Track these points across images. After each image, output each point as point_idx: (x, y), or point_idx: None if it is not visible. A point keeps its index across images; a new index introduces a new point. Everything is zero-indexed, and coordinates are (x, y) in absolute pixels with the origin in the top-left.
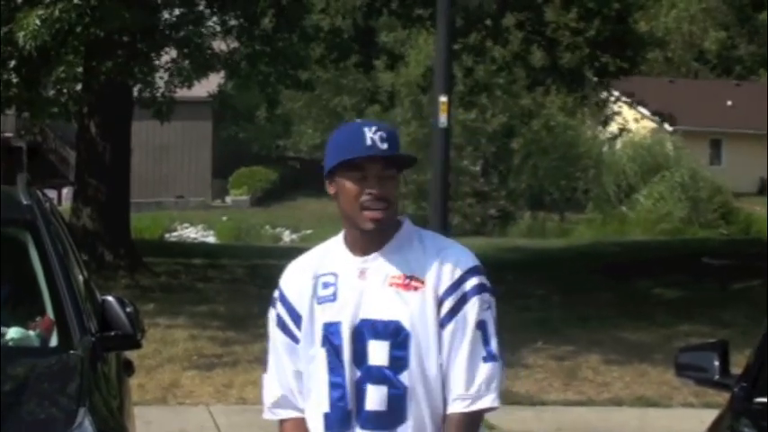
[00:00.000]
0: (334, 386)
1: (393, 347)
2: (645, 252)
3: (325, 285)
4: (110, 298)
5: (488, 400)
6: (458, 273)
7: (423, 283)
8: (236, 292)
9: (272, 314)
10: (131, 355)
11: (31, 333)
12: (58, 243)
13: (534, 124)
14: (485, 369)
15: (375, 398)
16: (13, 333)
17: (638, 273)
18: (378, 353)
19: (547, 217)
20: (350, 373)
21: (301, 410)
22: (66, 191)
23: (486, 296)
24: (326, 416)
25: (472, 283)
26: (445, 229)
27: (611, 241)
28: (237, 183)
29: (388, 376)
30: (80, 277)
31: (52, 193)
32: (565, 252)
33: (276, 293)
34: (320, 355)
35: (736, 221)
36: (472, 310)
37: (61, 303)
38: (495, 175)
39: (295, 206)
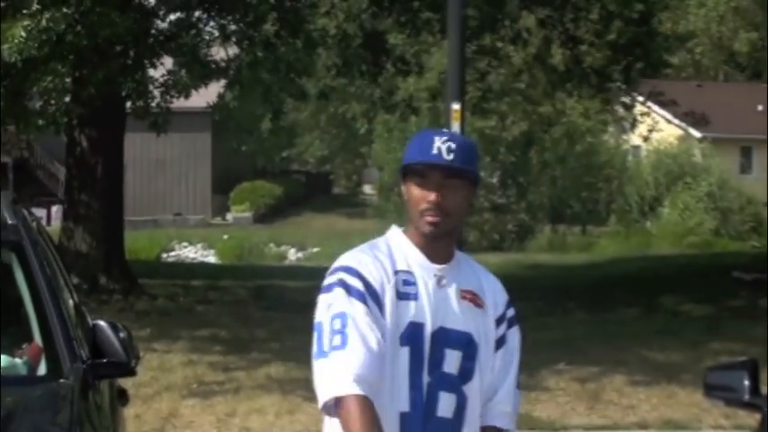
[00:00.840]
0: (414, 387)
1: (464, 358)
2: (672, 266)
3: (406, 283)
4: (101, 322)
5: (515, 425)
6: (502, 302)
7: (483, 303)
8: (239, 315)
9: (338, 292)
10: (127, 383)
11: (18, 361)
12: (45, 265)
13: (555, 131)
14: (518, 396)
15: (446, 405)
16: None
17: (664, 288)
18: (451, 361)
19: (567, 231)
20: (427, 377)
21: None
22: (55, 209)
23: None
24: (404, 415)
25: (512, 314)
26: (460, 245)
27: (635, 255)
28: (239, 199)
29: (457, 385)
30: (70, 301)
31: (40, 212)
32: (587, 267)
33: (342, 274)
34: (402, 352)
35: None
36: (514, 338)
37: (50, 329)
38: (513, 187)
39: (301, 223)
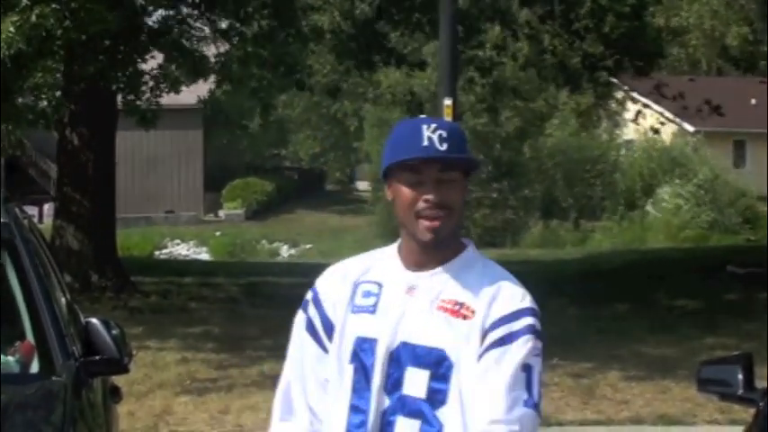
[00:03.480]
0: (355, 410)
1: (433, 378)
2: (666, 260)
3: (366, 294)
4: (94, 320)
5: None
6: (511, 308)
7: (473, 312)
8: (231, 312)
9: (300, 317)
10: (120, 380)
11: (11, 359)
12: (37, 263)
13: (547, 126)
14: (525, 413)
15: None
16: None
17: (658, 282)
18: (415, 382)
19: (560, 225)
20: (377, 399)
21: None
22: (47, 207)
23: (538, 343)
24: None
25: (525, 322)
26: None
27: (629, 249)
28: (231, 195)
29: (424, 411)
30: (62, 299)
31: (32, 210)
32: (581, 262)
33: (309, 295)
34: (347, 372)
35: (762, 226)
36: (519, 350)
37: (42, 327)
38: (505, 183)
39: (293, 219)
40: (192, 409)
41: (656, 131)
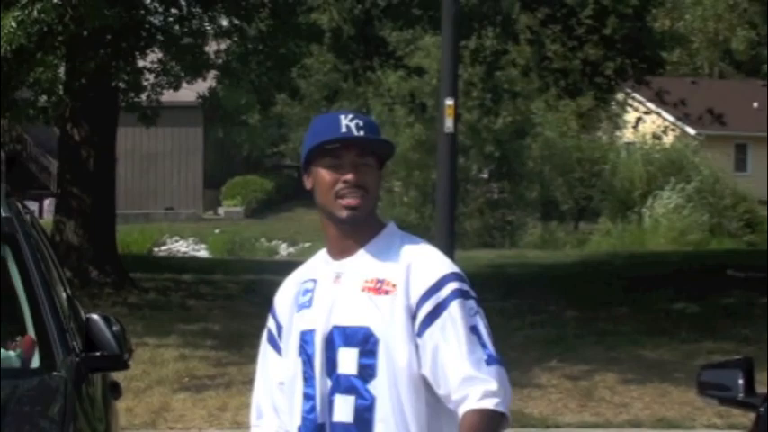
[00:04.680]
0: (306, 397)
1: (362, 355)
2: (665, 264)
3: (305, 292)
4: (94, 316)
5: (500, 402)
6: (433, 278)
7: (394, 287)
8: (230, 310)
9: (264, 332)
10: (118, 377)
11: (12, 353)
12: (39, 258)
13: (546, 127)
14: (492, 371)
15: (342, 409)
16: None
17: (657, 286)
18: (347, 361)
19: (559, 227)
20: (320, 383)
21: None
22: (47, 202)
23: (471, 302)
24: (299, 429)
25: (450, 288)
26: (452, 239)
27: (629, 252)
28: (231, 193)
29: (356, 386)
30: (63, 294)
31: (33, 205)
32: (579, 264)
33: (270, 310)
34: (297, 365)
35: (763, 231)
36: (456, 315)
37: (43, 322)
38: (504, 183)
39: (292, 218)
40: (191, 405)
41: (659, 138)
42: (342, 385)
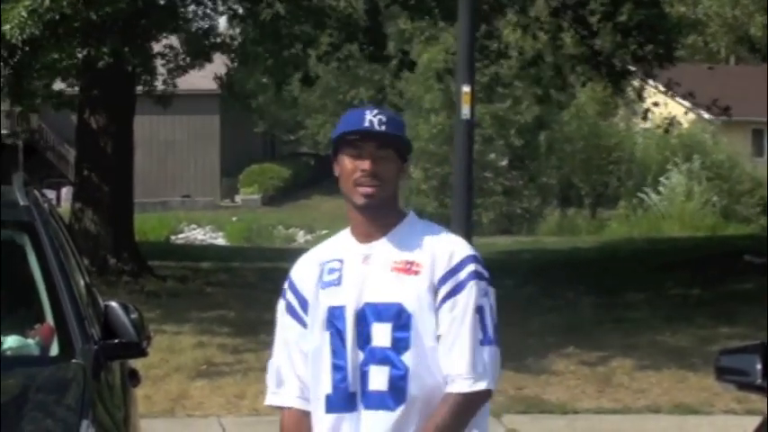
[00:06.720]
0: (336, 368)
1: (395, 329)
2: (682, 249)
3: (331, 271)
4: (113, 303)
5: (485, 383)
6: (454, 260)
7: (421, 267)
8: (247, 297)
9: (281, 304)
10: (136, 364)
11: (30, 341)
12: (57, 245)
13: (565, 114)
14: (482, 352)
15: (378, 378)
16: (11, 341)
17: (674, 271)
18: (380, 335)
19: (577, 213)
20: (352, 355)
21: (305, 399)
22: (65, 191)
23: (483, 284)
24: (328, 397)
25: (468, 270)
26: (469, 226)
27: (645, 238)
28: (248, 181)
29: (391, 357)
30: (81, 282)
31: (51, 194)
32: (596, 250)
33: (286, 284)
34: (324, 338)
35: None
36: (469, 295)
37: (62, 309)
38: (523, 170)
39: (309, 205)
40: (209, 393)
41: (667, 131)
42: (376, 357)
